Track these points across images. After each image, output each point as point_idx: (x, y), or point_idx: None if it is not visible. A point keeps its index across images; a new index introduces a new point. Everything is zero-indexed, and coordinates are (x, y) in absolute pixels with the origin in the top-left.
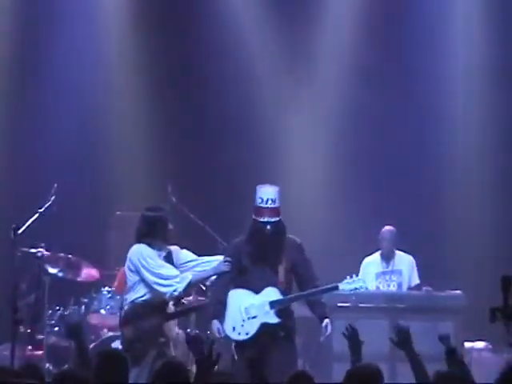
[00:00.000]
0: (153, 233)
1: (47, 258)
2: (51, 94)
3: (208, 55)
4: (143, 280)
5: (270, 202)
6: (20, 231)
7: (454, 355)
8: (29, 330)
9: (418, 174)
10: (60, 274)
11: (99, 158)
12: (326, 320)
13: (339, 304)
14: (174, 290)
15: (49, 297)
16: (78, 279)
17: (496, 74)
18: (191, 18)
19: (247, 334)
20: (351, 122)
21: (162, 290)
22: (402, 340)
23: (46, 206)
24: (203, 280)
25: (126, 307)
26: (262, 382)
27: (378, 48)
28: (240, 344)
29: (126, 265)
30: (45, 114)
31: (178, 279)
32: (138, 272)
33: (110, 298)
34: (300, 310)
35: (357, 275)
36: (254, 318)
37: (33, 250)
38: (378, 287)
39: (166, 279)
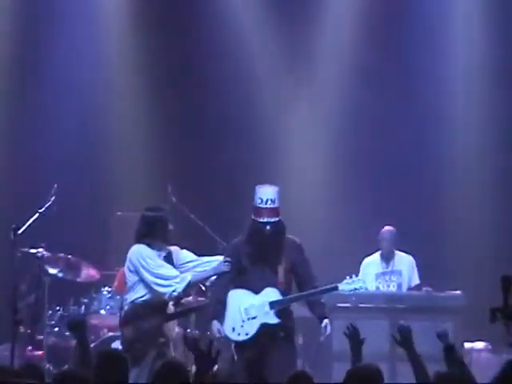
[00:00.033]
0: (153, 233)
1: (47, 259)
2: (51, 94)
3: (208, 55)
4: (143, 280)
5: (269, 202)
6: (20, 231)
7: (451, 352)
8: (29, 331)
9: (417, 174)
10: (60, 275)
11: (99, 158)
12: (326, 320)
13: (339, 304)
14: (174, 291)
15: (49, 297)
16: (78, 279)
17: (496, 73)
18: (191, 18)
19: (247, 334)
20: (351, 122)
21: (162, 290)
22: (404, 339)
23: (46, 206)
24: (203, 280)
25: (125, 307)
26: (261, 383)
27: (377, 48)
28: (240, 344)
29: (125, 265)
30: (45, 114)
31: (177, 279)
32: (137, 272)
33: (109, 298)
34: (299, 310)
35: (356, 275)
36: (254, 318)
37: (33, 251)
38: (377, 287)
39: (165, 279)
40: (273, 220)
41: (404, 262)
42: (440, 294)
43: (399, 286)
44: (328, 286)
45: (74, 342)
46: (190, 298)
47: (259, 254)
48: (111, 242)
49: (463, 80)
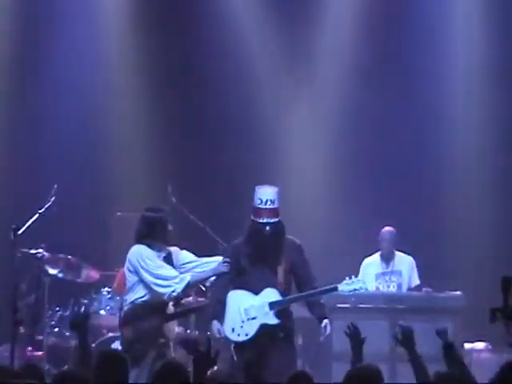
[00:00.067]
0: (153, 234)
1: (47, 259)
2: (51, 94)
3: (208, 55)
4: (142, 281)
5: (269, 202)
6: (20, 232)
7: (451, 350)
8: (29, 331)
9: (418, 174)
10: (60, 275)
11: (99, 158)
12: (325, 320)
13: (338, 305)
14: (173, 291)
15: (49, 298)
16: (78, 280)
17: (496, 73)
18: (191, 17)
19: (247, 335)
20: (351, 122)
21: (161, 290)
22: (406, 339)
23: (46, 206)
24: (202, 281)
25: (125, 308)
26: (260, 383)
27: (377, 48)
28: (239, 345)
29: (125, 266)
30: (45, 114)
31: (176, 280)
32: (137, 273)
33: (109, 298)
34: (299, 310)
35: (356, 276)
36: (254, 319)
37: (33, 251)
38: (377, 288)
39: (164, 280)
40: (272, 221)
41: (404, 262)
42: (440, 295)
43: (399, 286)
44: (327, 287)
45: (73, 343)
46: (190, 298)
47: (259, 255)
48: (111, 243)
49: (463, 80)
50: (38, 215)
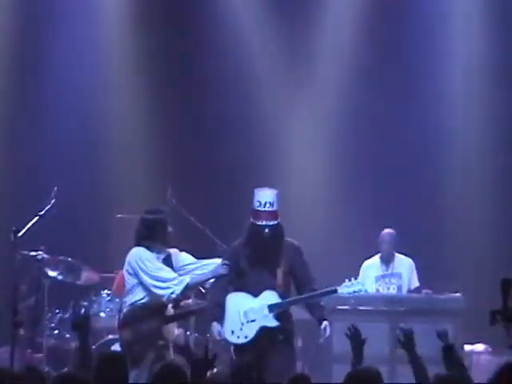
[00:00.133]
0: (152, 235)
1: (47, 261)
2: (51, 94)
3: (208, 55)
4: (141, 283)
5: (268, 205)
6: (20, 234)
7: (450, 352)
8: (28, 333)
9: (417, 174)
10: (60, 277)
11: (99, 158)
12: (325, 322)
13: (338, 307)
14: (172, 293)
15: (48, 300)
16: (78, 282)
17: (496, 74)
18: (191, 17)
19: (246, 337)
20: (351, 122)
21: (160, 292)
22: (407, 341)
23: (47, 208)
24: (201, 283)
25: (124, 310)
26: None
27: (377, 48)
28: (239, 347)
29: (124, 268)
30: (45, 114)
31: (175, 282)
32: (136, 275)
33: (109, 300)
34: (299, 312)
35: (356, 278)
36: (253, 321)
37: (33, 253)
38: (377, 290)
39: (163, 282)
40: (271, 223)
41: (404, 264)
42: (440, 297)
43: (399, 288)
44: (327, 289)
45: (73, 345)
46: (190, 300)
47: (258, 257)
48: (111, 245)
49: (463, 80)
50: (38, 217)
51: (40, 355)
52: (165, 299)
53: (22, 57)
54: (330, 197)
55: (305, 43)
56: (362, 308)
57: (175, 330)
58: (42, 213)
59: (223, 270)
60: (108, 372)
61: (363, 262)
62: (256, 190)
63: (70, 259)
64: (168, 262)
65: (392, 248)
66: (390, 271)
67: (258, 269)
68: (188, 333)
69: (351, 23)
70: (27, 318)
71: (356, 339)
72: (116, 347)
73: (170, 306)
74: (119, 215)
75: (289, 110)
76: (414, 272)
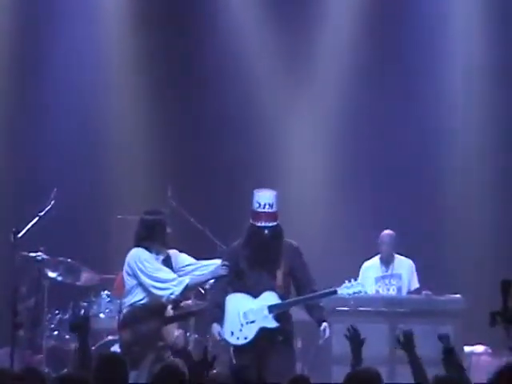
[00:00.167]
0: (151, 236)
1: (47, 262)
2: (51, 94)
3: (208, 55)
4: (141, 284)
5: (267, 206)
6: (20, 235)
7: (451, 355)
8: (28, 335)
9: (417, 174)
10: (59, 278)
11: (99, 158)
12: (325, 323)
13: (338, 308)
14: (171, 294)
15: (48, 301)
16: (78, 283)
17: (496, 73)
18: (191, 17)
19: (246, 338)
20: (351, 122)
21: (159, 293)
22: (407, 341)
23: (46, 209)
24: (201, 283)
25: (124, 311)
26: None
27: (377, 48)
28: (238, 348)
29: (124, 269)
30: (45, 114)
31: (174, 282)
32: (135, 276)
33: (109, 301)
34: (298, 313)
35: (356, 279)
36: (253, 322)
37: (32, 254)
38: (377, 291)
39: (163, 282)
40: (271, 224)
41: (403, 265)
42: (440, 298)
43: (399, 289)
44: (327, 290)
45: (73, 346)
46: (190, 301)
47: (257, 258)
48: (111, 246)
49: (463, 80)
50: (37, 218)
51: (40, 356)
52: (164, 300)
53: (22, 57)
54: (330, 197)
55: (305, 43)
56: (361, 309)
57: (175, 331)
58: (42, 214)
59: (223, 271)
60: (108, 373)
61: (363, 262)
62: (255, 192)
63: (69, 260)
64: (167, 262)
65: (392, 249)
66: (389, 272)
67: (257, 270)
68: (188, 334)
69: (351, 23)
70: (27, 318)
71: (355, 340)
72: (116, 348)
73: (169, 306)
74: (119, 216)
75: (289, 110)
76: (414, 273)
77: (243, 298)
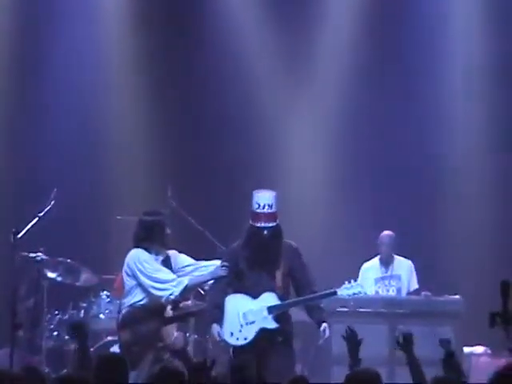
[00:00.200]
0: (150, 237)
1: (46, 262)
2: (51, 94)
3: (208, 55)
4: (140, 284)
5: (266, 207)
6: (19, 235)
7: (451, 359)
8: (28, 335)
9: (417, 174)
10: (59, 279)
11: (99, 158)
12: (324, 324)
13: (338, 309)
14: (171, 294)
15: (48, 301)
16: (77, 284)
17: (496, 74)
18: (191, 17)
19: (245, 339)
20: (351, 122)
21: (159, 293)
22: (406, 343)
23: (46, 210)
24: (200, 284)
25: (123, 311)
26: None
27: (377, 48)
28: (238, 349)
29: (123, 269)
30: (45, 114)
31: (174, 283)
32: (134, 276)
33: (108, 302)
34: (298, 314)
35: (355, 280)
36: (252, 323)
37: (32, 254)
38: (377, 292)
39: (162, 283)
40: (270, 225)
41: (403, 266)
42: (439, 299)
43: (398, 290)
44: (327, 291)
45: (73, 346)
46: (189, 302)
47: (257, 259)
48: (111, 246)
49: (463, 80)
50: (37, 219)
51: (39, 357)
52: (163, 300)
53: (22, 57)
54: (330, 197)
55: (305, 43)
56: (361, 310)
57: (174, 332)
58: (42, 214)
59: (222, 272)
60: (108, 373)
61: (363, 263)
62: (255, 192)
63: (69, 260)
64: (167, 263)
65: (391, 250)
66: (389, 273)
67: (257, 270)
68: (187, 334)
69: (351, 23)
70: (26, 319)
71: (352, 340)
72: (115, 349)
73: (169, 307)
74: (119, 217)
75: (289, 110)
76: (414, 274)
77: (243, 299)
